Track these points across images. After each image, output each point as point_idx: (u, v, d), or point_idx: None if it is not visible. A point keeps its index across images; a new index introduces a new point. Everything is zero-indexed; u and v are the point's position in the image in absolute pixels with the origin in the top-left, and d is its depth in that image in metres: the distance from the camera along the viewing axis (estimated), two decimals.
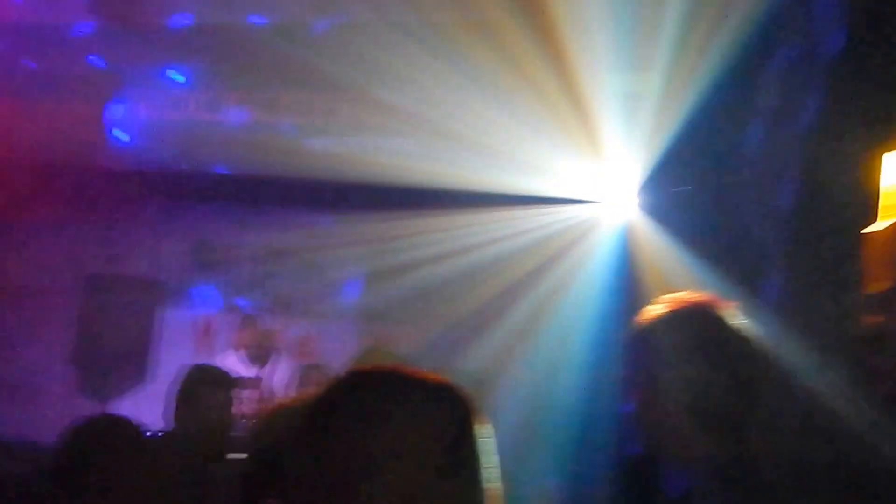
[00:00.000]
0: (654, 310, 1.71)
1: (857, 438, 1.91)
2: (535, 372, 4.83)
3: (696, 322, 1.68)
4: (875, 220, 3.04)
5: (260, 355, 5.92)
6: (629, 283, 4.52)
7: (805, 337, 2.78)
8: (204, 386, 3.43)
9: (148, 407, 4.52)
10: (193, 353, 6.15)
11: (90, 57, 6.19)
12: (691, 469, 1.57)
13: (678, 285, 3.90)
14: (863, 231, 3.05)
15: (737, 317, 1.69)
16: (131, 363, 5.97)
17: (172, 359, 5.34)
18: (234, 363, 5.58)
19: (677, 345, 1.65)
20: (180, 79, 6.33)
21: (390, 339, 5.24)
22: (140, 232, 6.52)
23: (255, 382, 5.65)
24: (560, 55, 4.79)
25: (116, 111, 6.43)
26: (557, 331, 4.82)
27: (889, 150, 3.27)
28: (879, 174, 3.15)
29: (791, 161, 3.51)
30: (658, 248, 4.57)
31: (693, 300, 1.73)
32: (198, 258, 6.27)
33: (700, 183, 4.33)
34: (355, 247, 5.66)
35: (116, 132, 6.42)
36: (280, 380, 5.81)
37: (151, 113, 6.39)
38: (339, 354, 4.50)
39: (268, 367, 5.89)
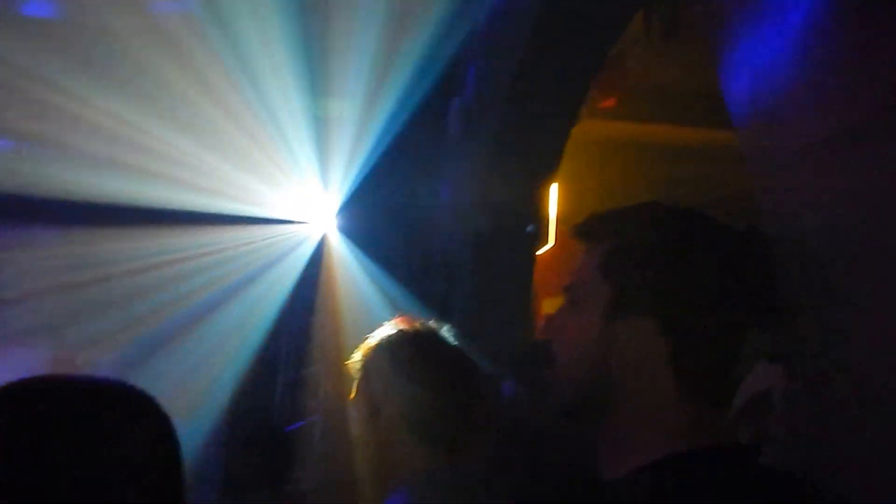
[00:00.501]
0: (374, 334, 1.86)
1: (548, 441, 2.17)
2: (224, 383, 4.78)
3: (412, 344, 1.82)
4: (546, 245, 3.45)
5: None
6: (324, 301, 4.65)
7: (490, 353, 3.08)
8: None
9: None
10: None
11: None
12: (411, 484, 1.70)
13: (372, 305, 4.11)
14: (536, 254, 3.44)
15: (449, 338, 1.86)
16: None
17: None
18: None
19: (395, 366, 1.78)
20: None
21: (79, 362, 4.90)
22: None
23: None
24: (254, 77, 4.80)
25: None
26: (252, 343, 4.84)
27: (553, 182, 3.73)
28: (548, 204, 3.58)
29: (470, 190, 3.85)
30: (352, 268, 4.75)
31: (408, 324, 1.87)
32: None
33: (393, 208, 4.57)
34: (40, 263, 5.22)
35: None
36: None
37: None
38: None
39: None
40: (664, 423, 1.16)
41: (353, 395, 1.85)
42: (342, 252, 4.90)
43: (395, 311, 2.20)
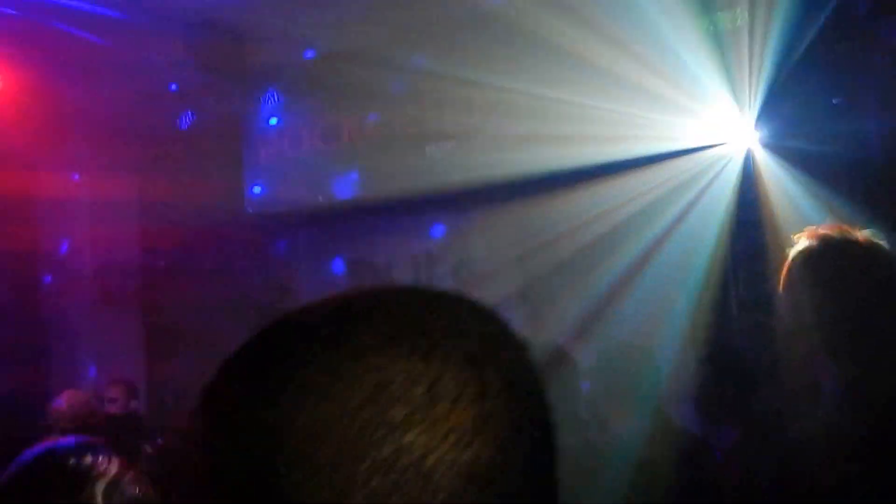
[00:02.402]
0: (800, 240, 1.73)
1: None
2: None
3: (833, 256, 1.68)
4: None
5: None
6: (761, 219, 4.61)
7: None
8: None
9: None
10: None
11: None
12: (809, 394, 1.65)
13: (809, 215, 4.00)
14: None
15: (880, 245, 1.69)
16: None
17: None
18: None
19: (826, 275, 1.66)
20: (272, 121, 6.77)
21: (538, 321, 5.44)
22: (300, 264, 6.93)
23: None
24: (642, 11, 4.87)
25: (249, 160, 6.89)
26: (700, 268, 4.93)
27: None
28: None
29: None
30: (782, 179, 4.66)
31: (836, 231, 1.72)
32: (358, 277, 6.55)
33: (810, 108, 4.38)
34: (503, 239, 5.86)
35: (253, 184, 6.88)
36: None
37: (274, 157, 6.78)
38: None
39: None
40: None
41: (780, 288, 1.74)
42: (770, 166, 4.82)
43: (834, 219, 2.06)
